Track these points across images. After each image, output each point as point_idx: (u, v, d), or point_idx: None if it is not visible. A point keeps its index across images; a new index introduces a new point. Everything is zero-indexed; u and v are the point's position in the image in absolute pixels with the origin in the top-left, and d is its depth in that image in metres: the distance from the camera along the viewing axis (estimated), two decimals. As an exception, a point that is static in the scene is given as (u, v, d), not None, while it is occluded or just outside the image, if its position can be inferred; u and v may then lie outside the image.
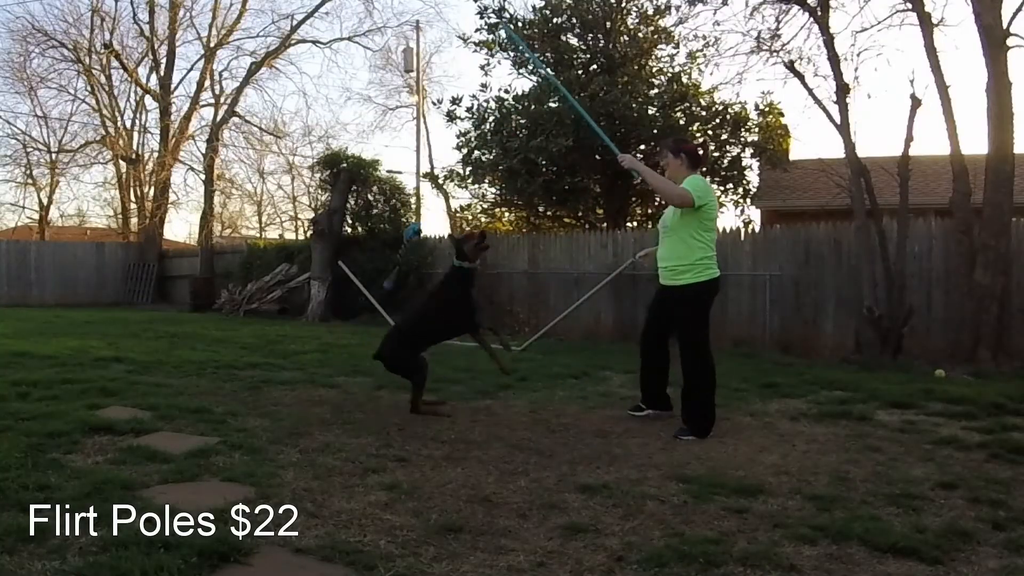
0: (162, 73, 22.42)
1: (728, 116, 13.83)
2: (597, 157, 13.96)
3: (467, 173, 15.36)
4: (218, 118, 22.78)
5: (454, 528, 2.85)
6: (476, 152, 14.80)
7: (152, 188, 22.43)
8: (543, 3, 14.59)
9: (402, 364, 5.11)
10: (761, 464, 3.88)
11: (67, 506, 2.88)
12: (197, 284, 17.96)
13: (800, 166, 15.36)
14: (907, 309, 8.38)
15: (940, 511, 3.15)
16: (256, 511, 2.95)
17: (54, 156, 24.16)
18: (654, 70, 14.99)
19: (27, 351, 7.67)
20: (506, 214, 17.81)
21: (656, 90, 14.24)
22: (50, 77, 23.07)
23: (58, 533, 2.64)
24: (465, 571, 2.50)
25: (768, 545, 2.73)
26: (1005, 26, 8.10)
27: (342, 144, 27.61)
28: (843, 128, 9.02)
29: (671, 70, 14.86)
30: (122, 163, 23.12)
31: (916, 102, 8.68)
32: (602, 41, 14.75)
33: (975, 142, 23.64)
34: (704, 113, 14.06)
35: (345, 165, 14.88)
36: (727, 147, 14.34)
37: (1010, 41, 8.12)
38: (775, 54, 10.26)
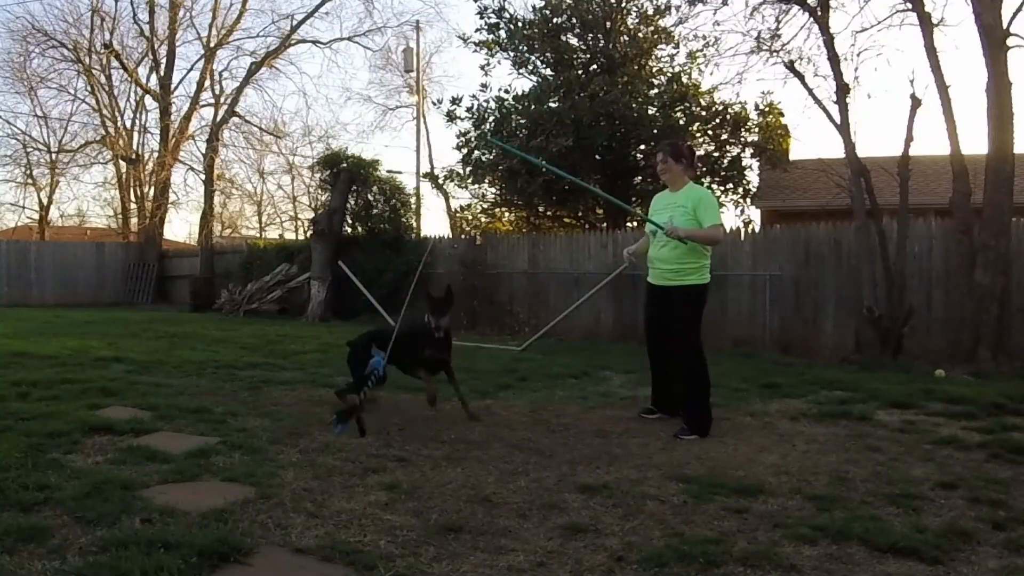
0: (162, 73, 22.42)
1: (728, 116, 13.84)
2: (597, 157, 13.97)
3: (467, 173, 15.37)
4: (218, 118, 22.78)
5: (454, 528, 2.85)
6: (476, 152, 14.80)
7: (152, 188, 22.42)
8: (543, 3, 14.60)
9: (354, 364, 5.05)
10: (761, 464, 3.88)
11: (67, 506, 2.89)
12: (197, 284, 17.96)
13: (800, 166, 15.36)
14: (907, 309, 8.38)
15: (940, 511, 3.15)
16: (256, 511, 2.96)
17: (54, 156, 24.17)
18: (654, 70, 14.99)
19: (27, 351, 7.67)
20: (506, 214, 17.82)
21: (656, 90, 14.25)
22: (50, 77, 23.09)
23: (58, 533, 2.65)
24: (465, 571, 2.50)
25: (768, 545, 2.73)
26: (1005, 26, 8.09)
27: (342, 144, 27.62)
28: (843, 128, 9.01)
29: (671, 70, 14.87)
30: (122, 163, 23.12)
31: (916, 102, 8.68)
32: (602, 41, 14.75)
33: (975, 142, 23.66)
34: (704, 113, 14.07)
35: (345, 165, 14.88)
36: (727, 147, 14.35)
37: (1010, 41, 8.12)
38: (775, 54, 10.27)
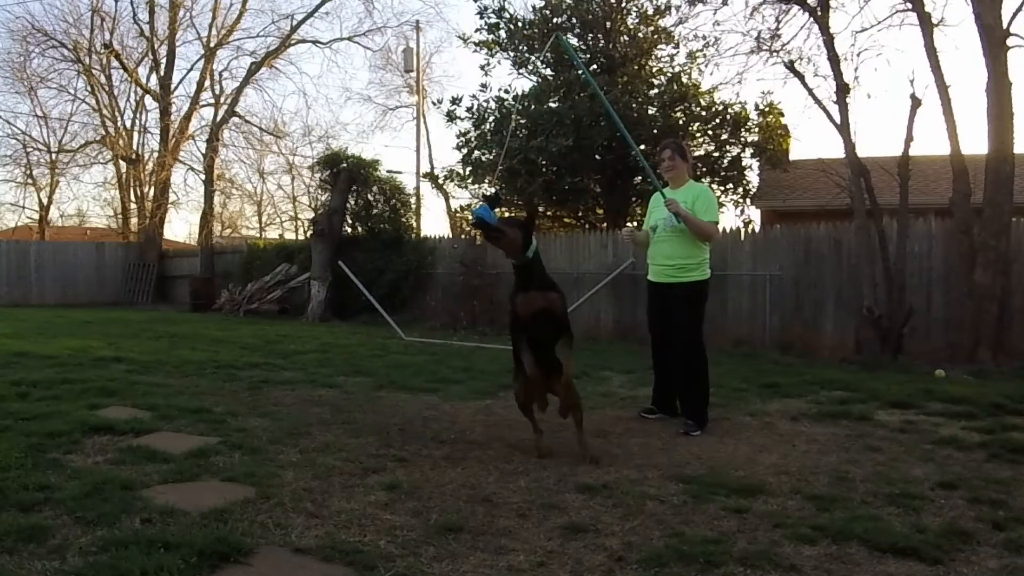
0: (162, 73, 22.42)
1: (728, 116, 13.83)
2: (597, 157, 13.97)
3: (467, 173, 15.37)
4: (218, 118, 22.79)
5: (454, 528, 2.85)
6: (476, 152, 14.80)
7: (152, 188, 22.42)
8: (543, 3, 14.60)
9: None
10: (761, 464, 3.88)
11: (67, 506, 2.89)
12: (197, 284, 17.96)
13: (800, 166, 15.36)
14: (907, 309, 8.38)
15: (940, 511, 3.15)
16: (256, 511, 2.96)
17: (54, 156, 24.17)
18: (654, 70, 14.99)
19: (27, 351, 7.67)
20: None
21: (656, 90, 14.24)
22: (50, 77, 23.10)
23: (58, 533, 2.65)
24: (465, 571, 2.50)
25: (768, 545, 2.73)
26: (1005, 26, 8.09)
27: (342, 144, 27.63)
28: (843, 128, 9.01)
29: (671, 70, 14.86)
30: (122, 163, 23.12)
31: (916, 102, 8.68)
32: (602, 41, 14.75)
33: (975, 142, 23.68)
34: (704, 113, 14.06)
35: (345, 165, 14.88)
36: (727, 147, 14.35)
37: (1010, 41, 8.12)
38: (775, 54, 10.27)
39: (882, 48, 20.42)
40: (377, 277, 13.48)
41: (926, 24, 8.56)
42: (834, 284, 9.55)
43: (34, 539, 2.57)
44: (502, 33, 15.14)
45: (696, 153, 14.54)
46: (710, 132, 14.21)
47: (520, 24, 14.89)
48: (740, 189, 14.80)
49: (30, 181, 24.82)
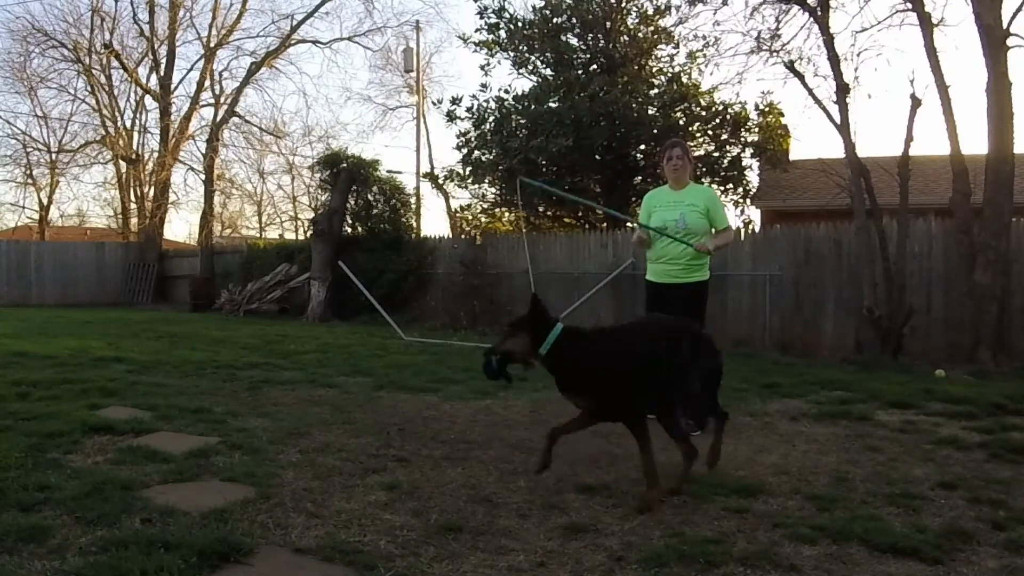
0: (162, 73, 22.43)
1: (728, 116, 13.84)
2: (597, 157, 13.97)
3: (467, 173, 15.37)
4: (218, 118, 22.80)
5: (454, 528, 2.85)
6: (476, 152, 14.80)
7: (152, 188, 22.43)
8: (543, 3, 14.60)
9: None
10: (761, 464, 3.88)
11: (67, 506, 2.89)
12: (197, 284, 17.97)
13: (800, 166, 15.36)
14: (907, 309, 8.38)
15: (940, 511, 3.15)
16: (256, 511, 2.96)
17: (54, 156, 24.18)
18: (654, 70, 14.99)
19: (27, 351, 7.68)
20: (506, 214, 17.81)
21: (656, 90, 14.25)
22: (50, 77, 23.12)
23: (58, 533, 2.64)
24: (465, 571, 2.50)
25: (768, 545, 2.73)
26: (1005, 26, 8.09)
27: (342, 144, 27.70)
28: (843, 128, 9.01)
29: (671, 70, 14.87)
30: (122, 163, 23.13)
31: (916, 102, 8.68)
32: (602, 41, 14.75)
33: (975, 142, 23.67)
34: (704, 113, 14.07)
35: (345, 165, 14.88)
36: (727, 147, 14.36)
37: (1010, 41, 8.12)
38: (775, 54, 10.27)
39: (882, 48, 20.42)
40: (377, 277, 13.49)
41: (926, 24, 8.56)
42: (834, 284, 9.55)
43: (34, 539, 2.57)
44: (502, 33, 15.15)
45: (696, 153, 14.54)
46: (710, 132, 14.21)
47: (520, 24, 14.90)
48: (740, 189, 14.82)
49: (30, 181, 24.84)
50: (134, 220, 23.66)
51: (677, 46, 14.81)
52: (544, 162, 13.57)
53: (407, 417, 4.91)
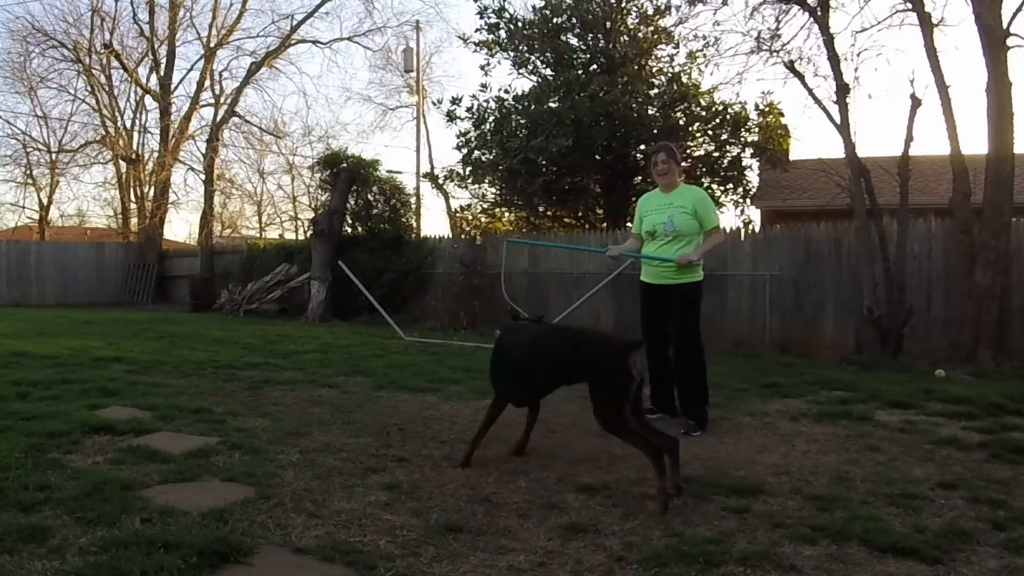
0: (162, 73, 22.43)
1: (728, 116, 13.84)
2: (597, 157, 13.97)
3: (467, 173, 15.37)
4: (218, 118, 22.80)
5: (454, 528, 2.85)
6: (476, 152, 14.80)
7: (152, 188, 22.43)
8: (543, 3, 14.60)
9: None
10: (761, 464, 3.88)
11: (67, 506, 2.89)
12: (197, 284, 17.96)
13: (800, 166, 15.37)
14: (907, 309, 8.38)
15: (940, 511, 3.15)
16: (256, 511, 2.96)
17: (54, 156, 24.19)
18: (654, 70, 14.99)
19: (27, 351, 7.68)
20: (506, 214, 17.82)
21: (656, 90, 14.24)
22: (50, 77, 23.12)
23: (58, 533, 2.64)
24: (465, 571, 2.50)
25: (768, 545, 2.73)
26: (1005, 26, 8.09)
27: (342, 144, 27.61)
28: (843, 128, 9.01)
29: (671, 70, 14.87)
30: (122, 163, 23.12)
31: (916, 102, 8.68)
32: (602, 41, 14.75)
33: (975, 142, 23.70)
34: (704, 113, 14.07)
35: (345, 165, 14.88)
36: (727, 147, 14.35)
37: (1010, 41, 8.12)
38: (775, 54, 10.27)
39: (882, 48, 20.46)
40: (377, 277, 13.49)
41: (926, 24, 8.56)
42: (834, 284, 9.55)
43: (34, 539, 2.57)
44: (502, 33, 15.15)
45: (696, 153, 14.56)
46: (710, 132, 14.21)
47: (520, 24, 14.90)
48: (740, 189, 14.81)
49: (30, 181, 24.85)
50: (134, 220, 23.66)
51: (677, 46, 14.82)
52: (544, 162, 13.57)
53: (407, 417, 4.91)
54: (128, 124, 23.18)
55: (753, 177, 15.14)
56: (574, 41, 14.89)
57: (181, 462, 3.58)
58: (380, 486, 3.35)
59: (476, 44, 15.47)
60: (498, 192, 16.20)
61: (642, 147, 14.03)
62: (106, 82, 22.81)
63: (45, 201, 25.61)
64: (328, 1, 23.28)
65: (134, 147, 23.03)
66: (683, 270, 4.82)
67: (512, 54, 15.27)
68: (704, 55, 13.94)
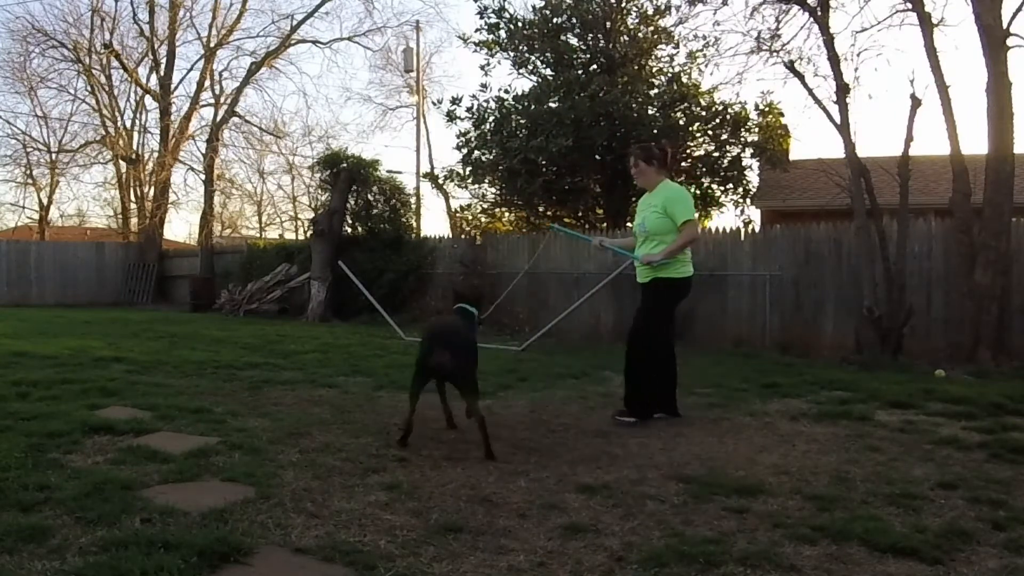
0: (162, 73, 22.44)
1: (728, 116, 13.83)
2: (597, 157, 13.97)
3: (467, 173, 15.37)
4: (218, 118, 22.81)
5: (454, 528, 2.85)
6: (476, 152, 14.80)
7: (152, 188, 22.44)
8: (543, 3, 14.60)
9: None
10: (761, 464, 3.88)
11: (67, 506, 2.89)
12: (197, 284, 17.97)
13: (800, 166, 15.37)
14: (907, 309, 8.38)
15: (940, 511, 3.15)
16: (256, 511, 2.96)
17: (54, 156, 24.19)
18: (654, 70, 14.99)
19: (27, 351, 7.67)
20: (506, 214, 17.82)
21: (656, 90, 14.24)
22: (50, 77, 23.12)
23: (58, 533, 2.64)
24: (465, 571, 2.50)
25: (768, 545, 2.73)
26: (1005, 26, 8.10)
27: (342, 144, 27.62)
28: (843, 128, 9.01)
29: (671, 70, 14.86)
30: (122, 163, 23.13)
31: (916, 102, 8.68)
32: (602, 41, 14.75)
33: (975, 142, 23.70)
34: (704, 113, 14.07)
35: (345, 165, 14.88)
36: (727, 147, 14.35)
37: (1010, 41, 8.12)
38: (775, 54, 10.28)
39: (882, 48, 20.44)
40: (377, 277, 13.49)
41: (926, 24, 8.56)
42: (834, 284, 9.55)
43: (34, 539, 2.57)
44: (502, 33, 15.14)
45: (696, 153, 14.55)
46: (710, 132, 14.21)
47: (520, 24, 14.89)
48: (740, 189, 14.81)
49: (30, 181, 24.85)
50: (134, 220, 23.67)
51: (677, 46, 14.82)
52: (544, 162, 13.57)
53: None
54: (128, 124, 23.22)
55: (753, 177, 15.15)
56: (574, 41, 14.88)
57: (181, 462, 3.58)
58: (380, 486, 3.35)
59: (476, 44, 15.47)
60: (498, 192, 16.20)
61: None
62: (106, 82, 22.83)
63: (45, 201, 25.65)
64: (328, 1, 23.29)
65: (134, 147, 23.05)
66: (647, 270, 4.84)
67: (512, 54, 15.27)
68: (704, 55, 13.96)
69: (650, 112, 13.73)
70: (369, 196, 15.14)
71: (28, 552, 2.48)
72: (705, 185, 15.03)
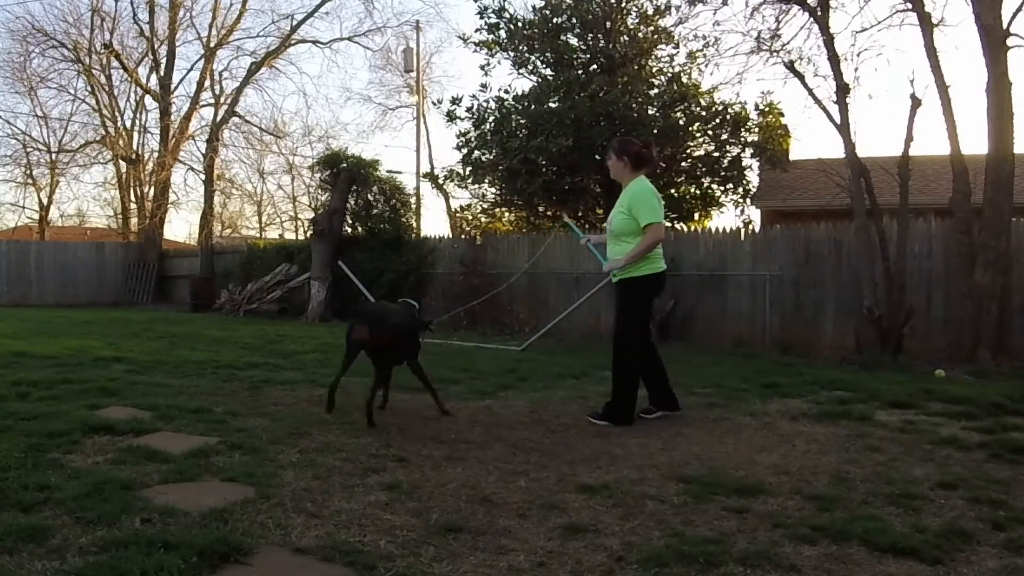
0: (162, 73, 22.42)
1: (728, 116, 13.83)
2: (597, 157, 13.96)
3: (467, 173, 15.37)
4: (218, 118, 22.80)
5: (454, 528, 2.85)
6: (476, 152, 14.80)
7: (152, 188, 22.42)
8: (543, 3, 14.59)
9: None
10: (761, 464, 3.88)
11: (67, 506, 2.89)
12: (197, 284, 17.96)
13: (800, 166, 15.37)
14: (907, 309, 8.38)
15: (940, 511, 3.15)
16: (256, 511, 2.96)
17: (54, 156, 24.17)
18: (654, 70, 14.98)
19: (27, 351, 7.67)
20: (506, 214, 17.82)
21: (656, 90, 14.24)
22: (50, 77, 23.10)
23: (58, 533, 2.64)
24: (465, 571, 2.50)
25: (768, 545, 2.73)
26: (1005, 26, 8.10)
27: (342, 144, 27.65)
28: (843, 128, 9.01)
29: (671, 70, 14.86)
30: (122, 163, 23.12)
31: (916, 102, 8.68)
32: (602, 41, 14.74)
33: (975, 142, 23.70)
34: (704, 113, 14.07)
35: (345, 165, 14.88)
36: (727, 147, 14.35)
37: (1010, 41, 8.12)
38: (775, 54, 10.27)
39: (882, 48, 20.41)
40: (377, 277, 13.48)
41: (926, 24, 8.56)
42: (834, 284, 9.56)
43: (34, 539, 2.57)
44: (502, 33, 15.14)
45: (696, 153, 14.55)
46: (710, 132, 14.21)
47: (520, 24, 14.89)
48: (740, 189, 14.81)
49: (30, 181, 24.83)
50: (134, 220, 23.65)
51: (677, 46, 14.80)
52: (544, 162, 13.56)
53: (407, 417, 4.91)
54: (128, 124, 23.20)
55: (753, 177, 15.14)
56: (574, 41, 14.88)
57: (181, 462, 3.58)
58: (380, 486, 3.35)
59: (476, 44, 15.46)
60: (498, 192, 16.20)
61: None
62: (106, 82, 22.81)
63: (45, 201, 25.63)
64: (328, 1, 23.26)
65: (134, 147, 23.03)
66: (625, 268, 4.82)
67: (512, 54, 15.26)
68: (704, 55, 13.95)
69: (650, 112, 13.73)
70: (369, 196, 15.14)
71: (28, 552, 2.49)
72: (705, 185, 15.03)
